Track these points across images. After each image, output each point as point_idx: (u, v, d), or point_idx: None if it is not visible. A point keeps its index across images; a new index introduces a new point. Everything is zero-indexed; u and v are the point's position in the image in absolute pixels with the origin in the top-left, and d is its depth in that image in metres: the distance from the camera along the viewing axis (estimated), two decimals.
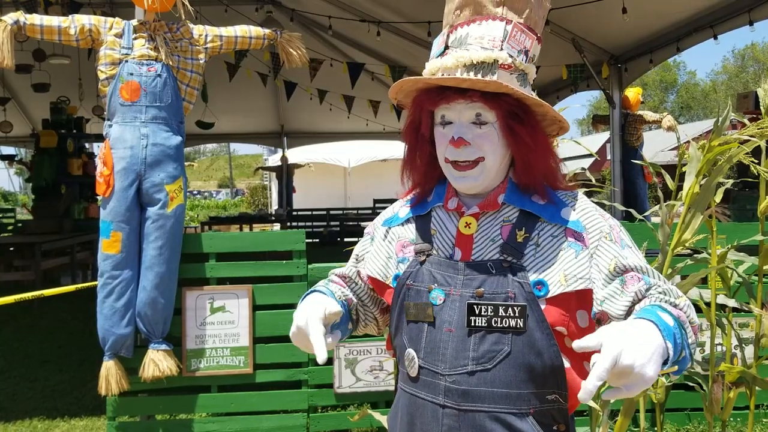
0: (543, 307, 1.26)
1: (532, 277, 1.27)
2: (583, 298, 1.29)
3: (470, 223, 1.35)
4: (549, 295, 1.26)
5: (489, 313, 1.26)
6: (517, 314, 1.25)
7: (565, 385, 1.28)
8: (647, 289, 1.24)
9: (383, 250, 1.47)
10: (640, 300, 1.24)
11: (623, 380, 1.06)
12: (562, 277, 1.27)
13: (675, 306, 1.21)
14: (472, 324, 1.27)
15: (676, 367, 1.17)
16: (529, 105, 1.32)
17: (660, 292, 1.23)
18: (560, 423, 1.30)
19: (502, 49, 1.30)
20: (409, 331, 1.36)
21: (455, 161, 1.33)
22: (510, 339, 1.26)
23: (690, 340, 1.21)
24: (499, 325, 1.26)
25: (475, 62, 1.29)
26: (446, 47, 1.35)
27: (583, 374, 1.30)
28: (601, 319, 1.29)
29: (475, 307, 1.27)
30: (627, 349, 1.04)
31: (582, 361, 1.31)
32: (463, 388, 1.27)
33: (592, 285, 1.27)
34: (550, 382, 1.27)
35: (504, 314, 1.26)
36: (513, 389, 1.26)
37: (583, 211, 1.33)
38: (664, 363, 1.11)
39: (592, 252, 1.29)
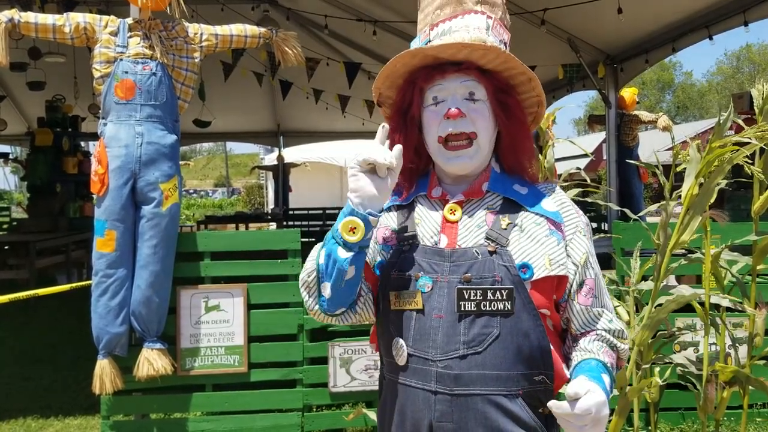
0: (528, 289, 1.31)
1: (518, 260, 1.31)
2: (561, 283, 1.36)
3: (455, 210, 1.38)
4: (534, 278, 1.31)
5: (478, 297, 1.29)
6: (504, 297, 1.29)
7: (551, 365, 1.33)
8: (597, 317, 1.40)
9: None
10: (587, 328, 1.40)
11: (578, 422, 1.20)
12: (546, 261, 1.32)
13: (613, 349, 1.39)
14: (462, 309, 1.30)
15: None
16: (515, 86, 1.40)
17: (608, 331, 1.39)
18: (545, 407, 1.33)
19: (488, 35, 1.37)
20: (395, 320, 1.37)
21: (448, 138, 1.35)
22: (499, 321, 1.29)
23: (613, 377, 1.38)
24: (488, 308, 1.29)
25: (466, 42, 1.34)
26: (429, 41, 1.40)
27: (564, 356, 1.41)
28: (563, 309, 1.40)
29: (464, 292, 1.30)
30: (594, 422, 1.20)
31: (562, 344, 1.42)
32: (455, 372, 1.29)
33: (567, 273, 1.35)
34: (537, 363, 1.31)
35: (492, 297, 1.29)
36: (503, 371, 1.29)
37: (562, 204, 1.40)
38: None
39: (567, 242, 1.37)
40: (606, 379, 1.30)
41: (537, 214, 1.37)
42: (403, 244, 1.39)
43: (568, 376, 1.36)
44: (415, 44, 1.45)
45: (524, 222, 1.35)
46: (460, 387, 1.29)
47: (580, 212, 1.42)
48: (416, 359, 1.33)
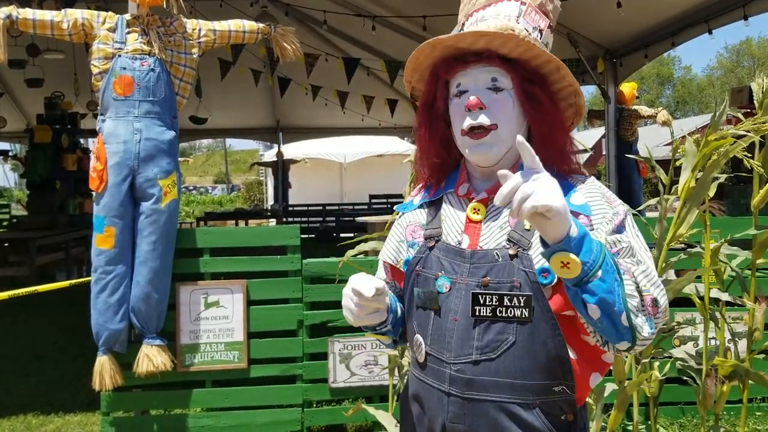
0: (549, 294, 1.25)
1: (538, 264, 1.25)
2: None
3: (479, 209, 1.34)
4: (554, 282, 1.24)
5: (494, 303, 1.25)
6: (522, 304, 1.24)
7: (571, 376, 1.27)
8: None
9: (395, 235, 1.47)
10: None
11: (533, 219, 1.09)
12: None
13: (630, 272, 1.19)
14: (477, 314, 1.27)
15: (578, 271, 1.11)
16: (545, 75, 1.32)
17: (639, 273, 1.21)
18: (568, 413, 1.28)
19: (518, 23, 1.32)
20: (417, 317, 1.36)
21: (470, 128, 1.30)
22: (515, 329, 1.25)
23: (627, 285, 1.17)
24: (504, 314, 1.25)
25: (491, 30, 1.29)
26: (462, 30, 1.37)
27: (589, 367, 1.31)
28: None
29: (479, 296, 1.26)
30: (535, 185, 1.07)
31: (588, 354, 1.30)
32: (468, 377, 1.27)
33: None
34: (556, 373, 1.26)
35: (509, 304, 1.25)
36: (518, 380, 1.25)
37: (590, 194, 1.30)
38: (565, 250, 1.10)
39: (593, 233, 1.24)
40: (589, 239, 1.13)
41: None
42: (429, 241, 1.37)
43: (592, 386, 1.32)
44: (453, 31, 1.42)
45: None
46: (472, 391, 1.27)
47: (615, 201, 1.30)
48: (433, 359, 1.32)
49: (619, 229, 1.26)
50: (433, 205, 1.42)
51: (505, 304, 1.24)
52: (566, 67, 1.33)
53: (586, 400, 2.57)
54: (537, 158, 1.13)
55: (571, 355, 1.27)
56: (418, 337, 1.35)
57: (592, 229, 1.24)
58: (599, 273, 1.12)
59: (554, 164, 1.32)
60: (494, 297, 1.25)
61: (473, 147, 1.31)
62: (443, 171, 1.43)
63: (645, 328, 1.18)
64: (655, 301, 1.20)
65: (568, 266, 1.11)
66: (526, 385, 1.25)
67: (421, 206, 1.45)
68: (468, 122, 1.30)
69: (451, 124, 1.37)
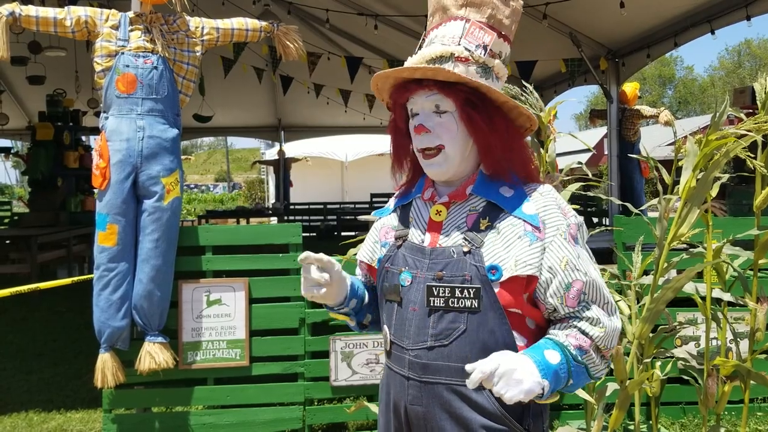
0: (497, 290, 1.38)
1: (488, 262, 1.39)
2: (531, 282, 1.41)
3: (441, 211, 1.49)
4: (502, 279, 1.38)
5: (446, 294, 1.40)
6: (471, 295, 1.38)
7: None
8: (574, 311, 1.41)
9: (372, 237, 1.65)
10: (559, 319, 1.43)
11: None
12: (513, 262, 1.38)
13: (585, 334, 1.39)
14: (431, 304, 1.41)
15: (557, 396, 1.37)
16: (485, 93, 1.44)
17: (582, 319, 1.40)
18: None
19: (459, 44, 1.44)
20: (386, 310, 1.53)
21: (420, 149, 1.46)
22: (466, 318, 1.39)
23: (590, 364, 1.40)
24: (455, 305, 1.40)
25: (434, 57, 1.44)
26: (419, 49, 1.51)
27: None
28: (541, 311, 1.45)
29: (434, 288, 1.41)
30: (502, 375, 1.27)
31: (536, 340, 1.44)
32: (423, 361, 1.42)
33: (538, 274, 1.39)
34: None
35: (460, 295, 1.39)
36: (468, 364, 1.34)
37: (544, 206, 1.43)
38: (541, 395, 1.31)
39: (545, 245, 1.40)
40: (550, 354, 1.35)
41: (516, 217, 1.42)
42: (398, 241, 1.53)
43: None
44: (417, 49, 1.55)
45: (501, 225, 1.42)
46: (427, 375, 1.42)
47: (568, 213, 1.45)
48: (396, 346, 1.48)
49: (575, 239, 1.43)
50: (404, 208, 1.58)
51: (456, 295, 1.39)
52: (494, 88, 1.43)
53: (587, 400, 2.57)
54: (484, 368, 1.28)
55: (519, 342, 1.41)
56: (385, 327, 1.52)
57: (541, 240, 1.39)
58: (570, 381, 1.37)
59: (504, 175, 1.46)
60: (446, 289, 1.40)
61: (426, 165, 1.47)
62: (414, 177, 1.60)
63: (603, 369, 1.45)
64: (592, 335, 1.40)
65: (549, 398, 1.34)
66: None
67: (394, 210, 1.62)
68: (418, 144, 1.46)
69: (412, 139, 1.51)
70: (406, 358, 1.44)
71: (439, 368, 1.40)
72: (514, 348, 1.38)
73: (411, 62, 1.47)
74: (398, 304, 1.47)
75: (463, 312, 1.39)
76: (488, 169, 1.47)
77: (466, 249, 1.41)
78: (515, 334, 1.41)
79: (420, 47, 1.50)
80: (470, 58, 1.42)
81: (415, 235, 1.50)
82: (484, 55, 1.44)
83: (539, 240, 1.39)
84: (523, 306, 1.41)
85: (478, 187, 1.47)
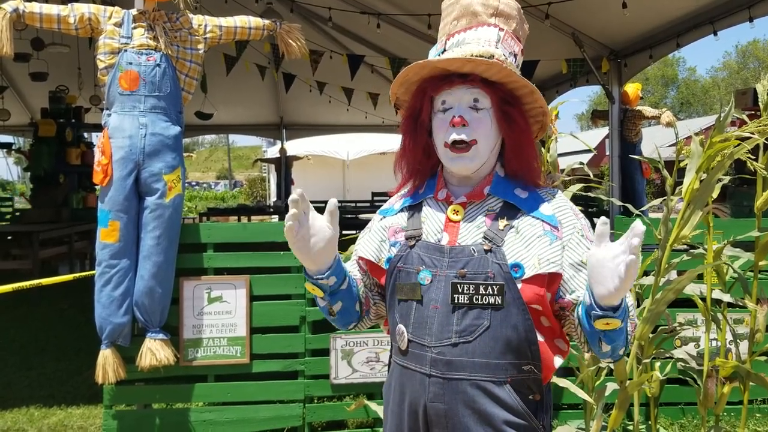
0: (519, 287, 1.40)
1: (510, 260, 1.41)
2: (553, 280, 1.44)
3: (458, 211, 1.50)
4: (524, 277, 1.41)
5: (470, 291, 1.41)
6: (495, 292, 1.40)
7: (539, 356, 1.43)
8: None
9: (377, 235, 1.61)
10: None
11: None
12: (536, 260, 1.41)
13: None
14: (456, 301, 1.42)
15: (620, 322, 1.31)
16: (519, 96, 1.49)
17: None
18: (535, 393, 1.45)
19: (497, 48, 1.48)
20: (400, 309, 1.51)
21: (453, 143, 1.46)
22: (489, 314, 1.41)
23: (630, 328, 1.41)
24: (479, 301, 1.41)
25: (474, 54, 1.45)
26: (444, 50, 1.52)
27: (555, 349, 1.48)
28: (565, 307, 1.46)
29: (458, 285, 1.42)
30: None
31: (553, 338, 1.48)
32: (447, 358, 1.42)
33: (562, 271, 1.43)
34: (525, 354, 1.42)
35: (484, 292, 1.41)
36: (492, 359, 1.40)
37: (559, 207, 1.49)
38: (615, 317, 1.30)
39: (564, 244, 1.44)
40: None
41: (534, 217, 1.46)
42: (410, 241, 1.52)
43: (556, 366, 1.47)
44: (432, 52, 1.57)
45: (520, 224, 1.45)
46: (451, 372, 1.42)
47: (580, 215, 1.50)
48: (415, 345, 1.46)
49: (589, 239, 1.46)
50: (413, 209, 1.58)
51: (480, 292, 1.41)
52: (538, 90, 1.49)
53: (586, 400, 2.58)
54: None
55: (539, 338, 1.43)
56: (401, 326, 1.49)
57: (560, 239, 1.44)
58: (621, 324, 1.32)
59: (524, 176, 1.51)
60: (471, 286, 1.41)
61: (454, 159, 1.48)
62: (423, 175, 1.60)
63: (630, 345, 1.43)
64: (635, 325, 1.43)
65: (609, 325, 1.31)
66: (498, 364, 1.41)
67: (401, 210, 1.60)
68: (452, 137, 1.46)
69: (434, 135, 1.52)
70: (427, 356, 1.44)
71: (464, 364, 1.41)
72: (536, 343, 1.42)
73: (455, 56, 1.47)
74: (417, 302, 1.47)
75: (487, 308, 1.40)
76: (511, 168, 1.51)
77: (486, 247, 1.43)
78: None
79: (444, 48, 1.52)
80: (505, 63, 1.46)
81: (430, 234, 1.51)
82: (515, 62, 1.50)
83: (558, 239, 1.44)
84: (543, 302, 1.43)
85: (495, 187, 1.50)
